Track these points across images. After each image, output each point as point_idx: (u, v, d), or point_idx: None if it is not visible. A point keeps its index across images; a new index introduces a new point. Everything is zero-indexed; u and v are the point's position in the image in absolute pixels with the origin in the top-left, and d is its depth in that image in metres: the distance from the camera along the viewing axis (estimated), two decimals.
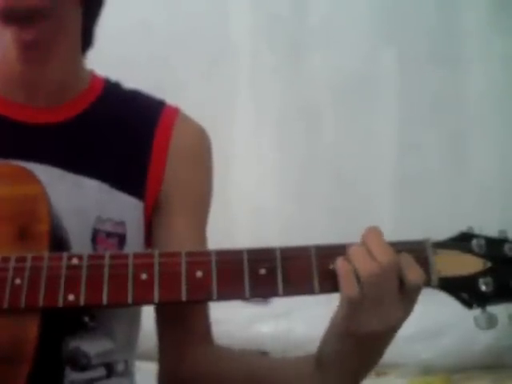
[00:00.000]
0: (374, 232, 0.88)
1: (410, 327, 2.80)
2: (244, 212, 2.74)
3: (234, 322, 2.41)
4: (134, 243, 1.04)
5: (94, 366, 1.01)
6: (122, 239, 1.03)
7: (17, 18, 0.95)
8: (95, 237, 1.01)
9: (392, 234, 2.89)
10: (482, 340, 2.45)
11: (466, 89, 2.93)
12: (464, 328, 2.39)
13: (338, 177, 2.85)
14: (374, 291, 0.83)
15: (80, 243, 0.98)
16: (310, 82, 2.90)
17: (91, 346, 1.00)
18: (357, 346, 0.88)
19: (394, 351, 2.71)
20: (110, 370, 1.04)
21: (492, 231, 0.90)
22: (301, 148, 2.88)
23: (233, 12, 2.92)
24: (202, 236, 1.11)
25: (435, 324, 2.48)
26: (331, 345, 0.91)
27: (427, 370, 2.46)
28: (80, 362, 0.99)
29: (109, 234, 1.02)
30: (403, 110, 2.92)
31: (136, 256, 0.85)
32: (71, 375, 0.97)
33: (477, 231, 0.88)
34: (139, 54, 2.56)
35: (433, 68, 2.91)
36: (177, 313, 1.06)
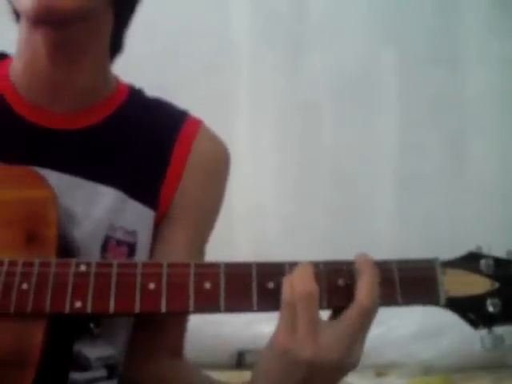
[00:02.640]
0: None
1: (410, 327, 2.80)
2: (243, 211, 2.74)
3: (235, 322, 2.41)
4: (144, 253, 1.04)
5: (94, 367, 1.02)
6: (132, 248, 1.03)
7: (49, 21, 0.93)
8: (106, 244, 1.01)
9: (392, 233, 2.90)
10: None
11: (466, 89, 2.93)
12: (464, 328, 2.39)
13: (337, 177, 2.84)
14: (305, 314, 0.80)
15: (90, 250, 0.98)
16: (310, 81, 2.90)
17: (92, 351, 1.01)
18: (287, 371, 0.83)
19: (394, 351, 2.72)
20: (112, 371, 1.04)
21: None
22: (300, 148, 2.88)
23: (232, 11, 2.91)
24: (198, 253, 1.10)
25: (435, 324, 2.48)
26: (264, 364, 0.86)
27: (427, 370, 2.46)
28: (81, 365, 1.00)
29: (119, 242, 1.02)
30: (403, 110, 2.92)
31: (144, 265, 0.85)
32: (72, 375, 0.97)
33: (485, 251, 0.87)
34: (139, 54, 2.55)
35: (433, 68, 2.91)
36: (154, 321, 1.06)
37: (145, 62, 2.58)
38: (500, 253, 0.87)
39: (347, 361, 0.81)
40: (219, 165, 1.13)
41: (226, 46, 2.90)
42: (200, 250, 1.11)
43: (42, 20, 0.93)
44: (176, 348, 1.10)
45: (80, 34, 0.97)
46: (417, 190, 2.84)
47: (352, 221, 2.75)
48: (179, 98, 1.14)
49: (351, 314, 0.81)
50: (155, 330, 1.06)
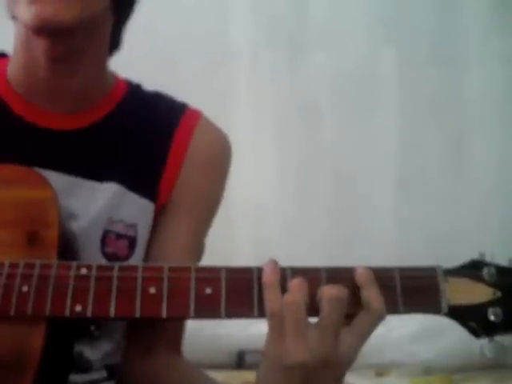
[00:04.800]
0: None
1: (410, 327, 2.81)
2: (244, 211, 2.74)
3: (235, 322, 2.41)
4: (144, 245, 1.04)
5: (95, 369, 1.01)
6: (132, 241, 1.02)
7: (50, 33, 0.92)
8: (105, 238, 1.00)
9: (392, 233, 2.89)
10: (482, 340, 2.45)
11: (466, 89, 2.93)
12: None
13: (337, 176, 2.84)
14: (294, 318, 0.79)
15: (89, 244, 0.98)
16: (310, 81, 2.90)
17: (93, 353, 1.00)
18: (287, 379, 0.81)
19: (394, 351, 2.72)
20: (112, 371, 1.04)
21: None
22: (301, 148, 2.88)
23: (233, 11, 2.91)
24: (199, 244, 1.10)
25: (435, 324, 2.48)
26: (263, 375, 0.85)
27: (427, 370, 2.47)
28: (81, 366, 0.99)
29: (119, 236, 1.01)
30: (403, 109, 2.92)
31: (145, 269, 0.84)
32: (72, 377, 0.96)
33: (488, 258, 0.86)
34: (140, 54, 2.55)
35: (433, 68, 2.91)
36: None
37: (145, 62, 2.57)
38: (500, 255, 0.86)
39: (336, 360, 0.80)
40: (219, 155, 1.11)
41: (226, 46, 2.90)
42: (199, 242, 1.10)
43: (42, 31, 0.92)
44: (173, 344, 1.07)
45: (81, 42, 0.96)
46: (417, 190, 2.84)
47: (352, 220, 2.75)
48: (179, 98, 1.13)
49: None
50: (150, 326, 1.04)
